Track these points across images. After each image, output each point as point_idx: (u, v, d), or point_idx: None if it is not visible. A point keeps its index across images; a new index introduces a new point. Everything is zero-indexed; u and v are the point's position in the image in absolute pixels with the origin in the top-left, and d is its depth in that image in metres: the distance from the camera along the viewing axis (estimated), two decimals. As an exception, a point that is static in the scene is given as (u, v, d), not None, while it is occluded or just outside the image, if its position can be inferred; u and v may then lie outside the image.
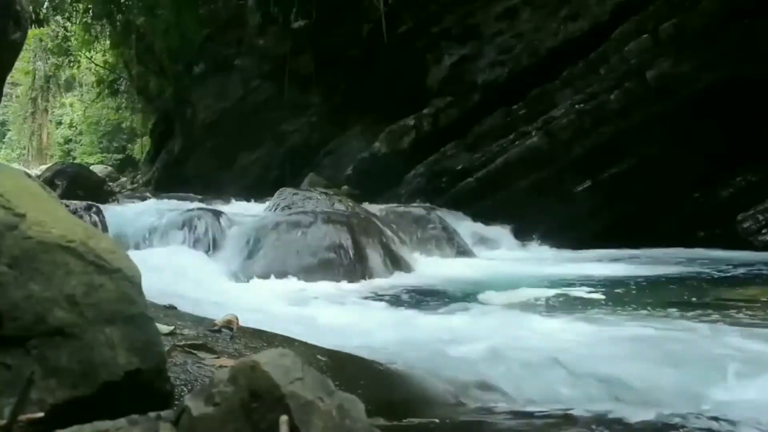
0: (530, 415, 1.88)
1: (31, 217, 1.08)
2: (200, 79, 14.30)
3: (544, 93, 9.02)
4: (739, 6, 7.66)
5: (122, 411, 0.98)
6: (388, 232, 6.25)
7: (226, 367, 1.24)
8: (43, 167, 13.28)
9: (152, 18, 14.99)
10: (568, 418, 1.84)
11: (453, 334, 2.90)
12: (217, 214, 6.21)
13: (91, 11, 16.82)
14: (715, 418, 1.74)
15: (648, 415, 1.77)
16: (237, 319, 2.34)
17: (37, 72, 28.05)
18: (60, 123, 32.26)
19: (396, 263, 5.82)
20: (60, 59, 22.40)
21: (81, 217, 5.15)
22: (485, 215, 8.67)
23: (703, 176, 8.12)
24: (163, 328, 1.97)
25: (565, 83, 8.88)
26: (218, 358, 1.83)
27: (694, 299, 4.08)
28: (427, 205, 8.47)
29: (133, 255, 1.30)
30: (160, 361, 1.12)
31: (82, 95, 29.47)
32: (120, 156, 26.66)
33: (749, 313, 3.47)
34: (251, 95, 13.44)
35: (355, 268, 5.34)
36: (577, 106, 8.62)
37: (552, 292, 4.34)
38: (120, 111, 22.95)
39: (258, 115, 13.07)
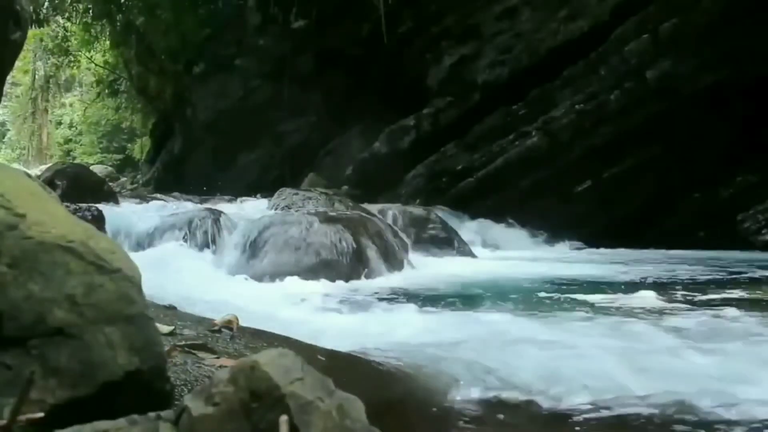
0: (531, 410, 1.89)
1: (31, 217, 1.08)
2: (200, 79, 14.30)
3: (544, 93, 9.02)
4: (739, 6, 7.66)
5: (122, 411, 0.98)
6: (388, 232, 6.25)
7: (226, 367, 1.24)
8: (43, 167, 13.25)
9: (152, 18, 14.98)
10: (560, 410, 1.84)
11: (452, 333, 2.90)
12: (217, 214, 6.20)
13: (91, 11, 16.79)
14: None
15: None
16: (237, 319, 2.34)
17: (37, 72, 27.99)
18: (60, 123, 32.21)
19: (396, 263, 5.82)
20: (60, 59, 22.36)
21: (81, 217, 5.15)
22: (485, 215, 8.67)
23: (704, 176, 8.13)
24: (163, 328, 1.97)
25: (565, 83, 8.89)
26: (218, 358, 1.82)
27: (694, 300, 4.07)
28: (427, 205, 8.47)
29: (133, 255, 1.30)
30: (160, 361, 1.12)
31: (82, 95, 29.44)
32: (120, 156, 26.63)
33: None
34: (251, 95, 13.44)
35: (355, 268, 5.34)
36: (577, 106, 8.62)
37: (549, 293, 4.34)
38: (120, 111, 22.90)
39: (258, 114, 13.06)
